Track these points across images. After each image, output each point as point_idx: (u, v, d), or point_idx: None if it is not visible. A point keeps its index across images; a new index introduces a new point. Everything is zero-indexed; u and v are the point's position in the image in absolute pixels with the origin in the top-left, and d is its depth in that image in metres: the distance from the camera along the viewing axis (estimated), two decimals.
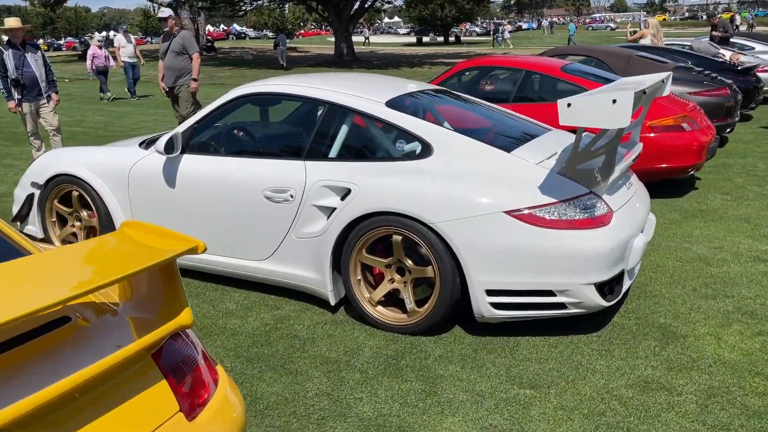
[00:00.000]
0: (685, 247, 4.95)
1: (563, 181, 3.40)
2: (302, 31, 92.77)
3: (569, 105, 3.03)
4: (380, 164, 3.66)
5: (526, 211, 3.26)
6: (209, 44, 43.64)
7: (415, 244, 3.43)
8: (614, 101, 2.90)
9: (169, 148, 4.06)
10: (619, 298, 3.51)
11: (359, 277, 3.66)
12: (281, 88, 4.12)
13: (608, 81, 6.70)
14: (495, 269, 3.30)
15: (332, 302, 3.74)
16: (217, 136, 4.46)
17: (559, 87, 6.69)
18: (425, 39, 60.38)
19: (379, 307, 3.65)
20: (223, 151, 4.32)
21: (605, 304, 3.35)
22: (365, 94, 3.93)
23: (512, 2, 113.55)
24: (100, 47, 17.93)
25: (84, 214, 4.66)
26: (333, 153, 3.83)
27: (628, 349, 3.35)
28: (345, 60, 32.34)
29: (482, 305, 3.36)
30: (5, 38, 7.70)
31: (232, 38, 77.89)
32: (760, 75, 12.38)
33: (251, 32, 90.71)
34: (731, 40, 17.34)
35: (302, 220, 3.77)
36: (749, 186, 6.86)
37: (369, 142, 3.93)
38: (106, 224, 4.47)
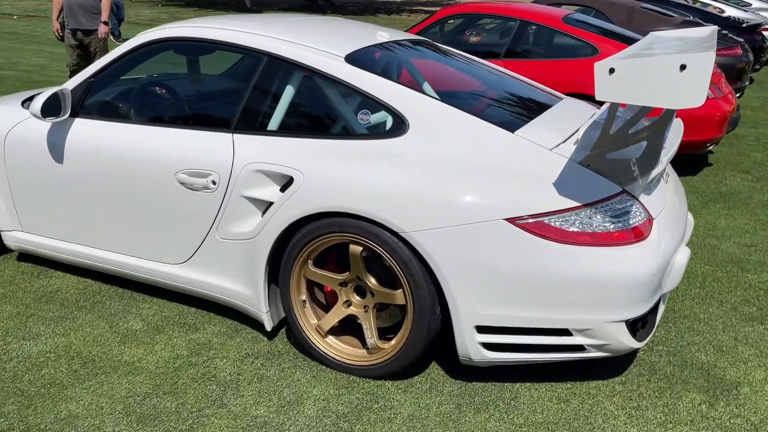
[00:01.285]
0: (712, 245, 4.08)
1: (588, 176, 2.45)
2: None
3: (612, 71, 2.05)
4: (335, 143, 2.66)
5: (535, 219, 2.32)
6: None
7: (381, 258, 2.49)
8: (683, 67, 1.93)
9: (52, 109, 3.00)
10: (653, 333, 2.62)
11: (304, 297, 2.71)
12: (203, 33, 3.05)
13: (620, 36, 5.73)
14: (490, 299, 2.37)
15: (267, 326, 2.79)
16: (121, 96, 3.39)
17: (559, 41, 5.69)
18: None
19: (331, 339, 2.71)
20: (127, 115, 3.25)
21: (638, 345, 2.46)
22: (320, 44, 2.90)
23: None
24: None
25: None
26: (273, 124, 2.82)
27: (665, 408, 2.47)
28: (319, 4, 30.59)
29: (470, 345, 2.44)
30: None
31: None
32: (766, 34, 11.48)
33: None
34: None
35: (228, 215, 2.78)
36: None
37: (321, 111, 2.91)
38: None
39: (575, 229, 2.32)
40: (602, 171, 2.47)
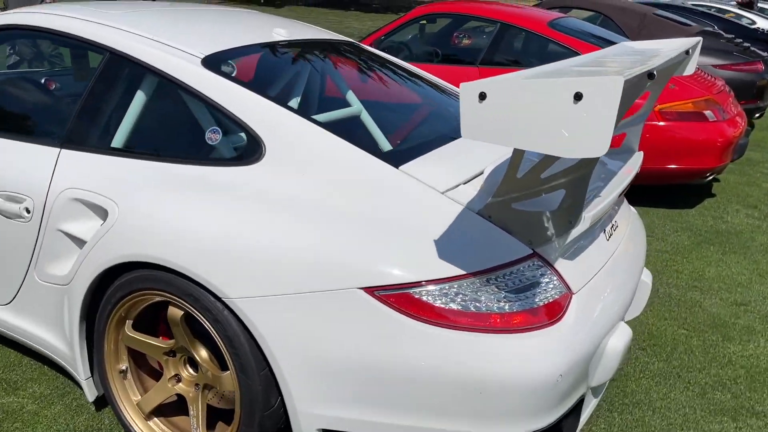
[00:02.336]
0: (693, 300, 3.40)
1: (487, 232, 1.82)
2: None
3: (483, 97, 1.41)
4: (169, 168, 2.06)
5: (402, 291, 1.70)
6: None
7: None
8: (578, 96, 1.29)
9: None
10: None
11: (123, 366, 2.12)
12: (32, 19, 2.46)
13: (612, 44, 5.03)
14: (339, 396, 1.76)
15: (89, 397, 2.20)
16: None
17: (542, 48, 5.03)
18: None
19: (156, 422, 2.11)
20: None
21: None
22: (180, 41, 2.29)
23: None
24: None
25: None
26: (105, 140, 2.23)
27: None
28: (343, 2, 29.96)
29: None
30: None
31: None
32: None
33: None
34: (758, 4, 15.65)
35: (45, 252, 2.20)
36: None
37: (165, 126, 2.30)
38: None
39: (456, 307, 1.70)
40: (507, 226, 1.84)
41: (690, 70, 2.55)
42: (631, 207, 2.71)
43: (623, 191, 2.14)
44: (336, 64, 2.80)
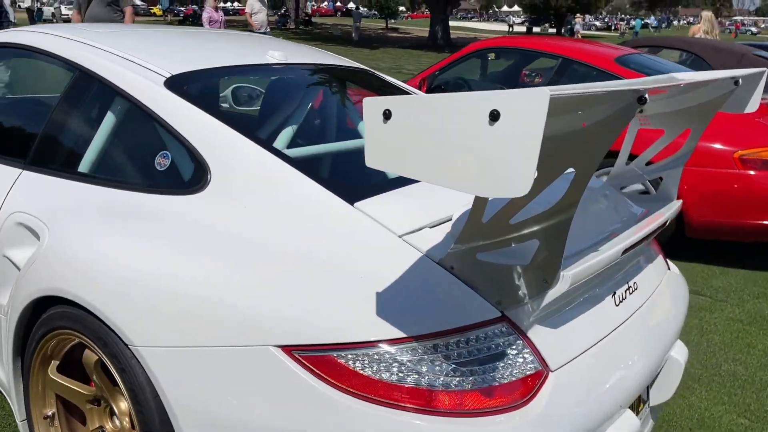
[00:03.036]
0: (764, 382, 2.84)
1: (445, 285, 1.49)
2: (411, 13, 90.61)
3: (388, 115, 1.10)
4: (111, 194, 1.87)
5: (325, 353, 1.39)
6: (306, 18, 43.03)
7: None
8: (494, 117, 0.95)
9: None
10: None
11: (50, 412, 1.91)
12: (17, 37, 2.39)
13: None
14: None
15: None
16: None
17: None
18: (536, 29, 56.72)
19: None
20: None
21: None
22: (151, 59, 2.13)
23: None
24: (216, 9, 13.63)
25: None
26: (60, 160, 2.10)
27: None
28: (438, 44, 30.17)
29: None
30: None
31: (339, 15, 77.47)
32: None
33: (365, 10, 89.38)
34: None
35: (3, 278, 2.06)
36: None
37: (118, 147, 2.10)
38: None
39: (390, 379, 1.37)
40: (472, 281, 1.50)
41: (753, 107, 2.13)
42: (671, 264, 2.27)
43: (636, 244, 1.74)
44: (336, 92, 2.56)
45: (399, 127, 1.10)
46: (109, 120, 2.06)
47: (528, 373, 1.45)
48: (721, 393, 2.73)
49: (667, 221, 2.00)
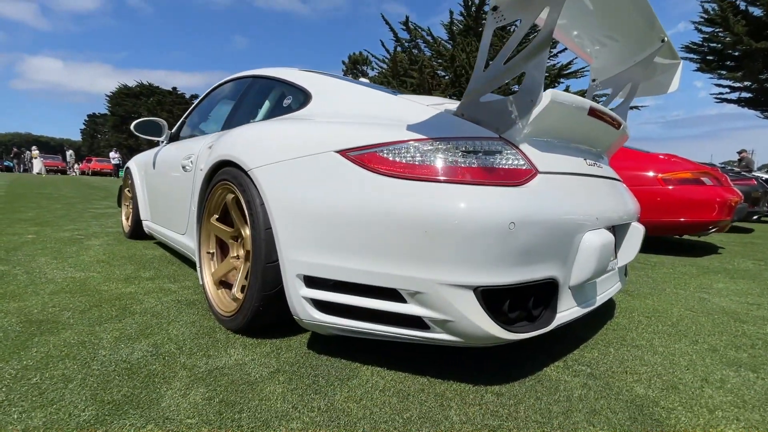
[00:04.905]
0: (702, 298, 2.15)
1: (457, 121, 1.15)
2: None
3: None
4: (254, 122, 1.69)
5: (368, 151, 1.07)
6: None
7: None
8: None
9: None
10: (543, 330, 1.06)
11: (211, 250, 1.63)
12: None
13: None
14: (314, 243, 1.12)
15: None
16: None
17: None
18: None
19: (221, 290, 1.57)
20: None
21: (500, 335, 0.96)
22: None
23: None
24: None
25: None
26: (235, 122, 1.95)
27: None
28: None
29: (296, 300, 1.16)
30: None
31: None
32: None
33: None
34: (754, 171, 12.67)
35: (195, 187, 1.88)
36: None
37: (263, 105, 1.94)
38: None
39: (414, 162, 1.02)
40: (477, 119, 1.15)
41: (673, 87, 1.71)
42: (622, 182, 1.78)
43: (598, 115, 1.32)
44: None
45: None
46: (263, 94, 1.92)
47: (522, 167, 1.05)
48: (669, 300, 2.07)
49: (622, 126, 1.54)
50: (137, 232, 2.96)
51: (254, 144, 1.33)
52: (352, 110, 1.35)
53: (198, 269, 1.64)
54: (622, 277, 1.55)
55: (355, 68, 33.91)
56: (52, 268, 2.18)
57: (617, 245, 1.44)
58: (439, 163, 1.02)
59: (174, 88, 43.71)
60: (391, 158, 1.06)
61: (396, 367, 1.20)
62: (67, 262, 2.32)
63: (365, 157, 1.09)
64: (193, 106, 2.63)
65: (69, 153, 24.15)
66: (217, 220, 1.59)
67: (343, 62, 35.15)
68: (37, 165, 20.37)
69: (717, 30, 13.95)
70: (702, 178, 3.29)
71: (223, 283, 1.57)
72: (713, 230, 3.32)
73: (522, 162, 1.07)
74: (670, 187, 3.31)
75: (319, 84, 1.59)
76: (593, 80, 1.74)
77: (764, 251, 3.94)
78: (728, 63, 14.60)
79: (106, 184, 13.10)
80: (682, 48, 15.21)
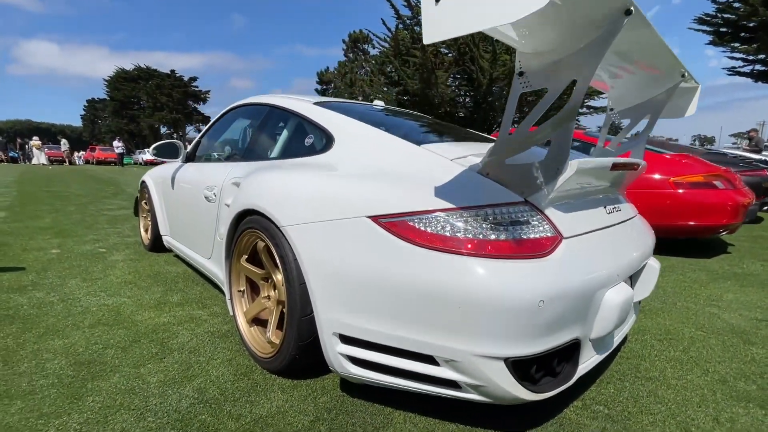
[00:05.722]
0: (711, 313, 2.22)
1: (483, 183, 1.20)
2: None
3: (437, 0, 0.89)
4: (278, 161, 1.73)
5: (399, 219, 1.12)
6: None
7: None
8: None
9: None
10: (566, 385, 1.14)
11: (242, 288, 1.71)
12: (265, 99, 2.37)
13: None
14: (350, 305, 1.19)
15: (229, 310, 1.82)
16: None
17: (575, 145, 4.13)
18: None
19: (254, 327, 1.65)
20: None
21: (527, 397, 1.04)
22: (300, 98, 2.03)
23: None
24: None
25: None
26: (257, 153, 1.99)
27: None
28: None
29: (332, 354, 1.24)
30: None
31: None
32: None
33: None
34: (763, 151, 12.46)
35: (220, 219, 1.94)
36: None
37: (282, 138, 1.98)
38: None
39: (444, 233, 1.08)
40: (502, 180, 1.20)
41: (690, 112, 1.72)
42: (638, 214, 1.82)
43: (621, 167, 1.36)
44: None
45: (447, 3, 0.86)
46: (281, 128, 1.96)
47: (547, 235, 1.10)
48: (679, 318, 2.15)
49: (640, 168, 1.58)
50: (156, 245, 3.05)
51: (284, 199, 1.38)
52: (377, 162, 1.38)
53: (229, 304, 1.72)
54: (637, 309, 1.62)
55: (355, 47, 33.04)
56: (84, 293, 2.28)
57: (633, 282, 1.50)
58: (469, 235, 1.07)
59: (172, 71, 43.05)
60: (421, 228, 1.11)
61: (427, 413, 1.29)
62: (96, 285, 2.42)
63: (396, 225, 1.14)
64: (207, 126, 2.67)
65: (63, 142, 23.77)
66: (247, 260, 1.67)
67: (344, 41, 34.24)
68: (39, 155, 20.37)
69: (731, 0, 13.47)
70: (714, 182, 3.30)
71: (256, 320, 1.66)
72: (723, 233, 3.37)
73: (548, 228, 1.12)
74: (681, 191, 3.34)
75: (341, 127, 1.62)
76: (611, 109, 1.75)
77: None
78: (742, 35, 14.15)
79: (111, 175, 13.17)
80: (694, 20, 14.73)
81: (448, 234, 1.08)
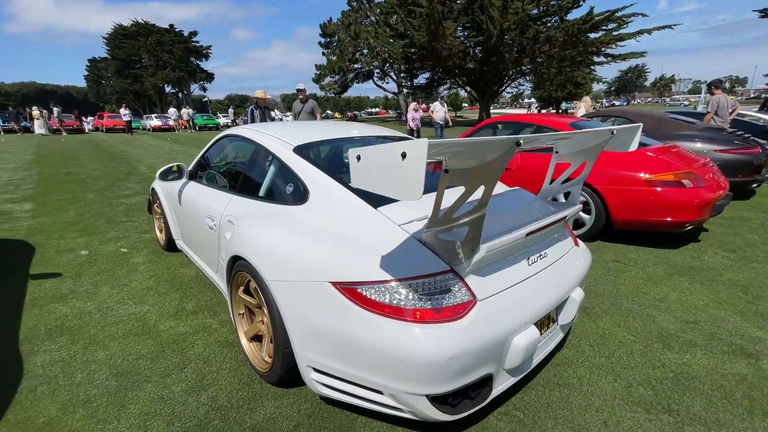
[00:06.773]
0: (649, 315, 2.56)
1: (421, 253, 1.52)
2: (470, 106, 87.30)
3: (359, 158, 1.16)
4: (264, 204, 2.05)
5: (353, 286, 1.46)
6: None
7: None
8: (404, 155, 1.00)
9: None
10: (481, 405, 1.53)
11: (241, 312, 2.11)
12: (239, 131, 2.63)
13: None
14: (317, 348, 1.57)
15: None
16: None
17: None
18: (544, 111, 53.13)
19: (253, 344, 2.07)
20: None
21: (443, 418, 1.43)
22: (282, 136, 2.29)
23: (612, 88, 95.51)
24: (416, 110, 11.38)
25: None
26: (247, 188, 2.29)
27: None
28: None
29: (307, 379, 1.66)
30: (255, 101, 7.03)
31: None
32: None
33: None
34: None
35: (221, 247, 2.30)
36: (762, 245, 3.84)
37: (268, 178, 2.27)
38: None
39: (381, 300, 1.43)
40: (436, 249, 1.51)
41: (633, 147, 1.95)
42: (581, 243, 2.11)
43: (536, 231, 1.65)
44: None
45: (365, 163, 1.14)
46: (269, 169, 2.24)
47: (464, 300, 1.43)
48: (619, 320, 2.49)
49: (567, 217, 1.87)
50: (171, 245, 3.46)
51: (267, 254, 1.71)
52: (340, 225, 1.67)
53: (233, 320, 2.12)
54: (566, 329, 1.95)
55: None
56: (115, 302, 2.72)
57: (559, 310, 1.82)
58: (404, 304, 1.40)
59: (171, 25, 41.71)
60: (370, 296, 1.44)
61: (380, 418, 1.70)
62: (124, 292, 2.86)
63: (351, 291, 1.47)
64: (204, 150, 2.96)
65: (56, 110, 22.98)
66: (243, 291, 2.04)
67: None
68: (39, 125, 20.24)
69: None
70: (683, 181, 3.49)
71: (255, 337, 2.06)
72: (688, 228, 3.60)
73: (465, 294, 1.44)
74: (653, 189, 3.54)
75: (315, 180, 1.90)
76: (556, 152, 1.99)
77: (746, 232, 4.21)
78: None
79: (123, 148, 13.53)
80: None
81: (387, 302, 1.42)
